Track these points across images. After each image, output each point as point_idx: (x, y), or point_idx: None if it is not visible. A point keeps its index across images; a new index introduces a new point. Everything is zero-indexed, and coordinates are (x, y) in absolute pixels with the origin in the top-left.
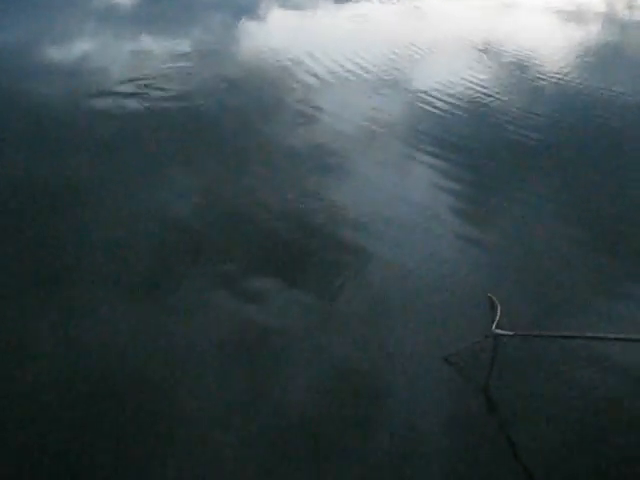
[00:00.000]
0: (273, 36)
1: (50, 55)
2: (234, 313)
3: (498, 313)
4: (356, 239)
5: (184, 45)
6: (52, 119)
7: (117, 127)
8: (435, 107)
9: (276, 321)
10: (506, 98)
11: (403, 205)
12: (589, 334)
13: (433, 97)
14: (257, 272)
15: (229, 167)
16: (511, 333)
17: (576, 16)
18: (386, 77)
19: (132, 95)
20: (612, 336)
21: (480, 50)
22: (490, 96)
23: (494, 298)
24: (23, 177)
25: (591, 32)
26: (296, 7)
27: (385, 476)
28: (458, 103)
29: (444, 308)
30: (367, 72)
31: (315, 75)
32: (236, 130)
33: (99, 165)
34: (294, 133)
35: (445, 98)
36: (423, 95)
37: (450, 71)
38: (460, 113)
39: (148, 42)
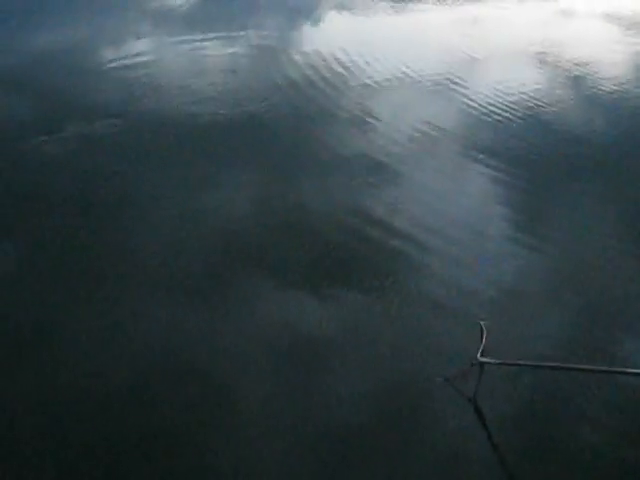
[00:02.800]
0: (328, 40)
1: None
2: (283, 316)
3: (483, 341)
4: (407, 246)
5: (240, 46)
6: (104, 125)
7: (172, 133)
8: (490, 115)
9: (324, 324)
10: (563, 107)
11: (455, 213)
12: (579, 366)
13: (488, 105)
14: (307, 276)
15: (282, 172)
16: (497, 362)
17: (634, 23)
18: (441, 84)
19: (189, 100)
20: (597, 368)
21: (536, 58)
22: (546, 105)
23: (483, 325)
24: (80, 186)
25: None
26: (352, 12)
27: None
28: (513, 112)
29: (495, 319)
30: (422, 78)
31: (373, 80)
32: (290, 135)
33: (155, 173)
34: (348, 138)
35: (500, 106)
36: (478, 103)
37: (506, 79)
38: (515, 122)
39: (202, 43)
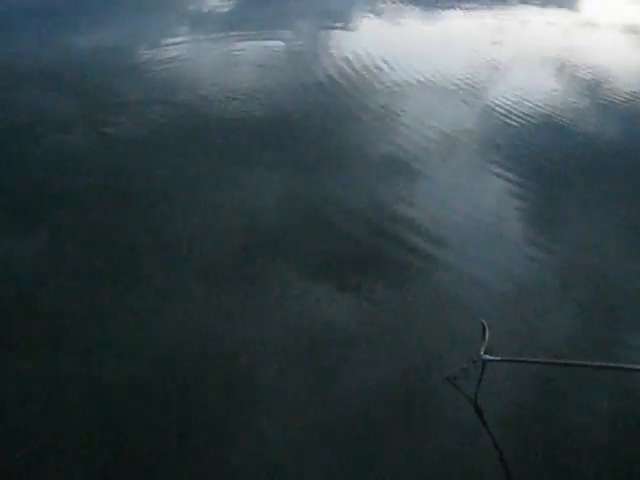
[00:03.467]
0: (357, 44)
1: (142, 56)
2: (307, 307)
3: (486, 338)
4: (426, 245)
5: (272, 47)
6: (145, 117)
7: (204, 128)
8: (511, 120)
9: (343, 317)
10: (579, 115)
11: (475, 214)
12: (579, 362)
13: (510, 110)
14: (330, 270)
15: (309, 168)
16: (498, 358)
17: None
18: (463, 89)
19: (221, 97)
20: (600, 364)
21: (555, 66)
22: (565, 112)
23: (485, 323)
24: (115, 177)
25: None
26: (381, 18)
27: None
28: (531, 117)
29: (507, 318)
30: (445, 83)
31: (397, 83)
32: (317, 134)
33: (187, 165)
34: (373, 138)
35: (519, 112)
36: (500, 108)
37: (525, 86)
38: (532, 127)
39: (236, 43)
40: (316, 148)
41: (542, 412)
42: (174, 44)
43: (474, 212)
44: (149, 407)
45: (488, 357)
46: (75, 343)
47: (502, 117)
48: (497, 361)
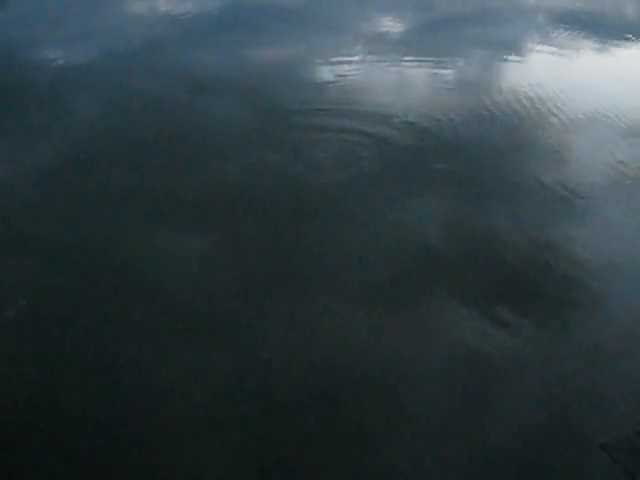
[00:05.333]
0: (529, 74)
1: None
2: (456, 334)
3: None
4: (590, 284)
5: (442, 76)
6: (317, 132)
7: (373, 149)
8: None
9: (497, 347)
10: None
11: None
12: None
13: None
14: (487, 300)
15: (475, 197)
16: None
17: None
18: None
19: (391, 120)
20: None
21: None
22: None
23: None
24: (289, 194)
25: None
26: (554, 48)
27: None
28: None
29: None
30: (621, 119)
31: (569, 117)
32: (484, 163)
33: (353, 186)
34: (541, 172)
35: None
36: None
37: None
38: None
39: (407, 67)
40: (483, 178)
41: None
42: (348, 62)
43: None
44: (296, 418)
45: None
46: (225, 347)
47: None
48: None
